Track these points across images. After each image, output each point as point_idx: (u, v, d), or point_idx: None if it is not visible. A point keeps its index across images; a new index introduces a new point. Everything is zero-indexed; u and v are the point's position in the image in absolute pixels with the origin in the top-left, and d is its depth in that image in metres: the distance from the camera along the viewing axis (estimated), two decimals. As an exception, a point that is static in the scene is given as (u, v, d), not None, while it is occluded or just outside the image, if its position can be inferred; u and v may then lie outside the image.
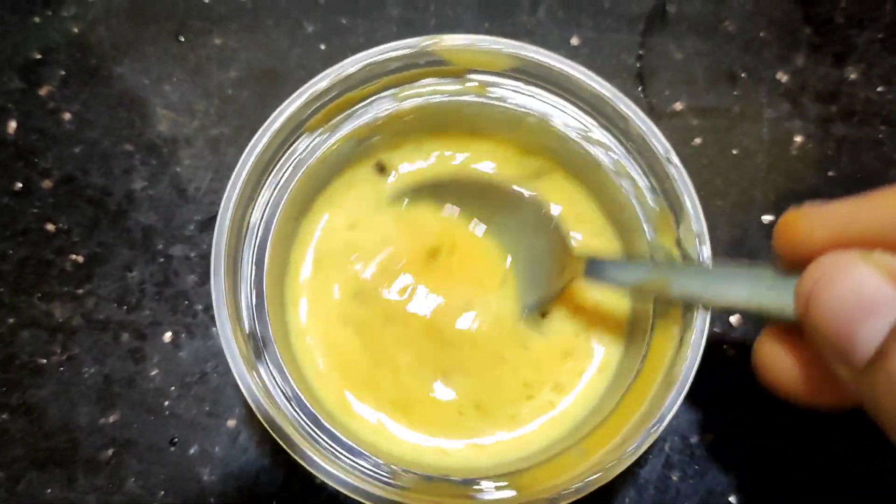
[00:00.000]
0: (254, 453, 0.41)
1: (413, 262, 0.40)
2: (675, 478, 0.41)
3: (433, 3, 0.48)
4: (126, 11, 0.47)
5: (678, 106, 0.47)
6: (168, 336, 0.42)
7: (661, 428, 0.33)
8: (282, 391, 0.34)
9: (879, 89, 0.48)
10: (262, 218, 0.36)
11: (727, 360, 0.43)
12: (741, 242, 0.45)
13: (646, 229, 0.37)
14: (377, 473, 0.34)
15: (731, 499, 0.41)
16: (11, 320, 0.42)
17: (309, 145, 0.37)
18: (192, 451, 0.41)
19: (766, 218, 0.45)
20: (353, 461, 0.34)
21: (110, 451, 0.40)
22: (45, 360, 0.42)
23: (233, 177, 0.34)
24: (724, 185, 0.46)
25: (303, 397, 0.34)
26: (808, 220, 0.29)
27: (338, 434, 0.34)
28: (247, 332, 0.34)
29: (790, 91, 0.48)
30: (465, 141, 0.41)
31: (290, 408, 0.34)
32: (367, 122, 0.38)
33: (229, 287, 0.33)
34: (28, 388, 0.41)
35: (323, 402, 0.37)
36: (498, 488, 0.34)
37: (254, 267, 0.36)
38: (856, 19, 0.49)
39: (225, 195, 0.34)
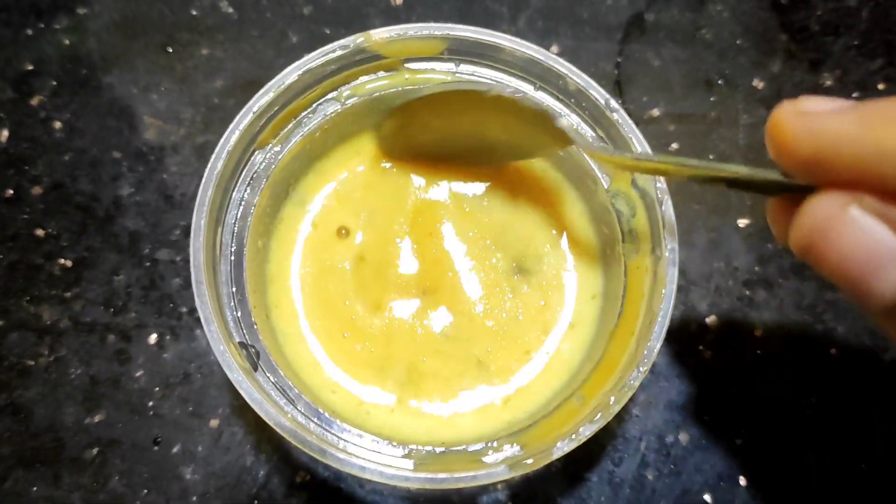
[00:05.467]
0: (236, 453, 0.41)
1: (399, 243, 0.41)
2: (650, 477, 0.42)
3: (414, 14, 0.49)
4: (116, 24, 0.49)
5: (655, 112, 0.48)
6: (153, 338, 0.43)
7: (651, 361, 0.34)
8: (283, 393, 0.35)
9: (855, 95, 0.48)
10: (232, 237, 0.37)
11: (702, 361, 0.43)
12: (717, 245, 0.46)
13: (601, 178, 0.39)
14: (393, 455, 0.34)
15: (706, 497, 0.41)
16: (1, 323, 0.43)
17: (265, 158, 0.38)
18: (175, 450, 0.41)
19: (742, 222, 0.46)
20: (369, 448, 0.35)
21: (95, 451, 0.41)
22: (32, 362, 0.43)
23: (198, 200, 0.35)
24: (700, 189, 0.47)
25: (305, 397, 0.35)
26: (797, 129, 0.27)
27: (347, 427, 0.35)
28: (237, 342, 0.35)
29: (766, 97, 0.48)
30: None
31: (295, 410, 0.35)
32: (314, 129, 0.39)
33: (214, 308, 0.34)
34: (16, 389, 0.42)
35: (326, 400, 0.38)
36: (503, 450, 0.35)
37: (234, 284, 0.36)
38: (831, 26, 0.50)
39: (193, 221, 0.35)
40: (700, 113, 0.48)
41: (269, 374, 0.35)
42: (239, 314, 0.36)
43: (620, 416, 0.42)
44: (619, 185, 0.38)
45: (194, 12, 0.49)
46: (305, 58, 0.37)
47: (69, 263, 0.44)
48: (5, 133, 0.46)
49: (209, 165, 0.35)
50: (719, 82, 0.49)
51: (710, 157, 0.47)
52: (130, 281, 0.44)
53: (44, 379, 0.42)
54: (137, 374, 0.43)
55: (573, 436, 0.33)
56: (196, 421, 0.42)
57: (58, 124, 0.47)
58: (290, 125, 0.39)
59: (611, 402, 0.33)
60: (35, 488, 0.41)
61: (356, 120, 0.40)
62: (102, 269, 0.44)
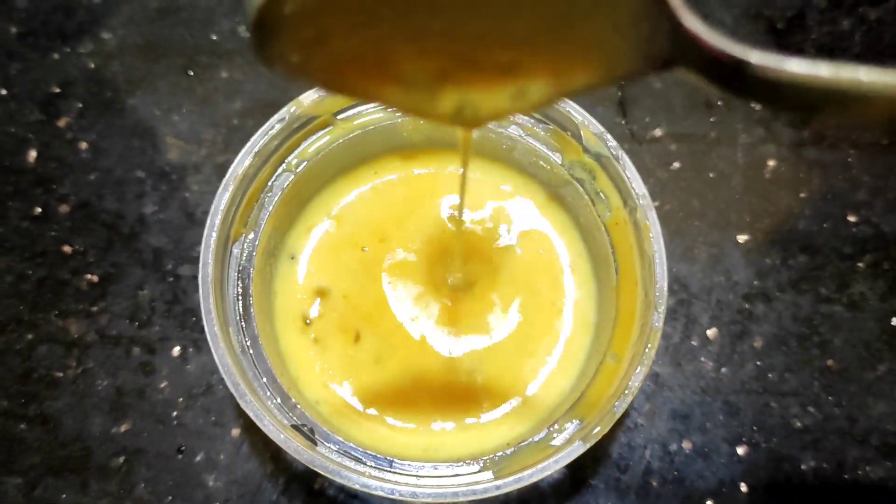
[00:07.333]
0: (257, 461, 0.43)
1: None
2: (655, 483, 0.43)
3: (426, 38, 0.51)
4: (139, 48, 0.51)
5: (658, 132, 0.50)
6: (176, 350, 0.45)
7: (664, 301, 0.35)
8: (349, 456, 0.36)
9: (849, 115, 0.50)
10: (242, 332, 0.38)
11: (704, 372, 0.45)
12: (718, 260, 0.47)
13: (553, 157, 0.41)
14: (471, 472, 0.36)
15: (709, 503, 0.43)
16: (30, 336, 0.45)
17: (243, 249, 0.39)
18: (198, 458, 0.43)
19: (741, 237, 0.48)
20: (447, 475, 0.36)
21: (121, 459, 0.43)
22: (61, 374, 0.44)
23: (203, 308, 0.35)
24: (701, 206, 0.48)
25: (375, 454, 0.36)
26: None
27: (418, 463, 0.36)
28: (292, 425, 0.36)
29: (764, 118, 0.50)
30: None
31: (368, 468, 0.36)
32: (277, 204, 0.40)
33: (260, 404, 0.35)
34: (45, 400, 0.44)
35: (390, 450, 0.39)
36: (565, 428, 0.37)
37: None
38: (826, 49, 0.52)
39: (207, 329, 0.35)
40: (700, 133, 0.50)
41: (330, 445, 0.36)
42: (279, 400, 0.37)
43: (626, 425, 0.44)
44: (571, 155, 0.40)
45: (214, 37, 0.51)
46: (251, 141, 0.38)
47: (95, 279, 0.46)
48: (33, 153, 0.48)
49: (200, 274, 0.36)
50: (719, 103, 0.51)
51: (711, 174, 0.49)
52: (154, 295, 0.46)
53: (72, 390, 0.44)
54: (162, 386, 0.44)
55: (626, 391, 0.34)
56: (218, 430, 0.44)
57: (84, 145, 0.49)
58: (254, 210, 0.40)
59: (646, 350, 0.34)
60: (64, 495, 0.42)
61: (310, 184, 0.42)
62: (127, 284, 0.46)
